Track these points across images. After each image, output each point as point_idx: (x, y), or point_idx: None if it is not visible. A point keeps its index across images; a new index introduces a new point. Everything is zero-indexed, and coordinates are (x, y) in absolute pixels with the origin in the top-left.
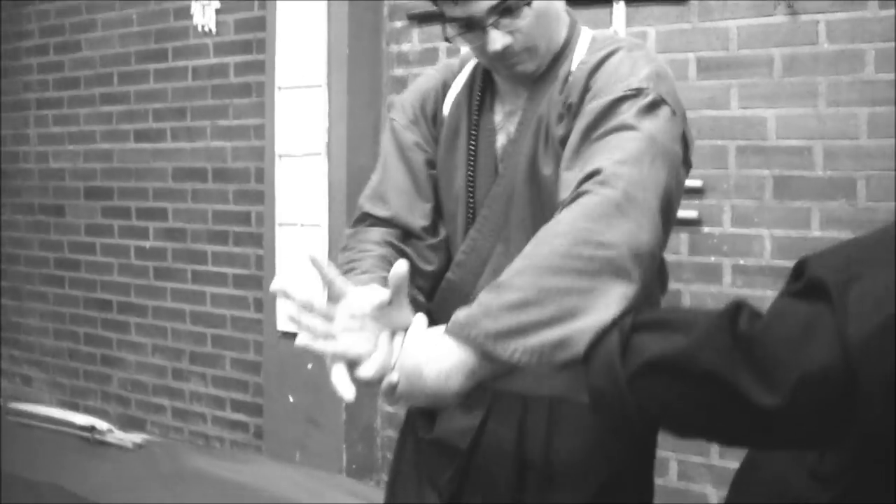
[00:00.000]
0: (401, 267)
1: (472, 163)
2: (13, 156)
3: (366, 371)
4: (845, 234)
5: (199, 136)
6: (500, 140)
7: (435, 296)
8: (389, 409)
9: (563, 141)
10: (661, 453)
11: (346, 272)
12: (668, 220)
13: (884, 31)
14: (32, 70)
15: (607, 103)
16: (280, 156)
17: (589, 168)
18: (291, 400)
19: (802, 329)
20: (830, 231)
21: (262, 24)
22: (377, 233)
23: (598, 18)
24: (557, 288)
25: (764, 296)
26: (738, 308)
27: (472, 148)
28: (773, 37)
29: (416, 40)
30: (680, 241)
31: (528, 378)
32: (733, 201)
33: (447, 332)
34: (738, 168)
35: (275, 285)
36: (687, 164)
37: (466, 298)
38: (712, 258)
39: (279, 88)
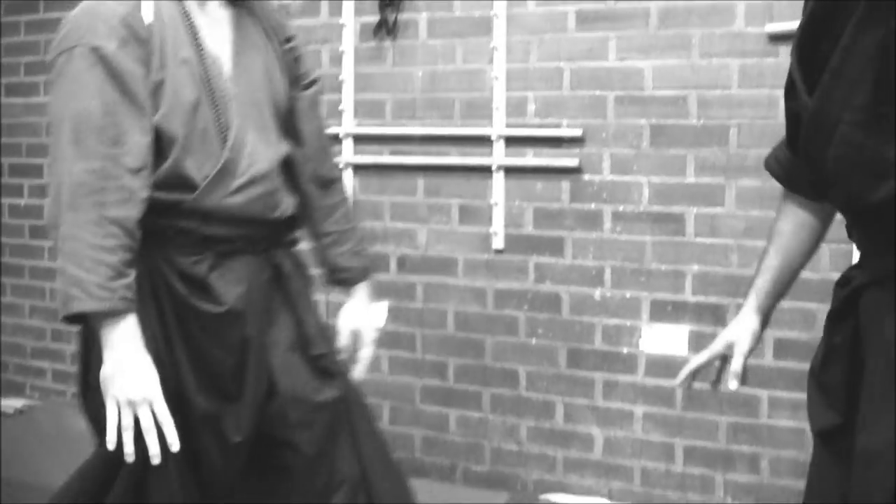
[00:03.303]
0: None
1: (208, 78)
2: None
3: None
4: (719, 180)
5: None
6: (222, 53)
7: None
8: None
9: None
10: (547, 396)
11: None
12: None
13: None
14: None
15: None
16: None
17: None
18: None
19: None
20: (704, 177)
21: None
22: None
23: None
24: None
25: (643, 241)
26: None
27: (203, 65)
28: None
29: None
30: (561, 189)
31: None
32: (612, 149)
33: None
34: (617, 117)
35: None
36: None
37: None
38: (592, 205)
39: None
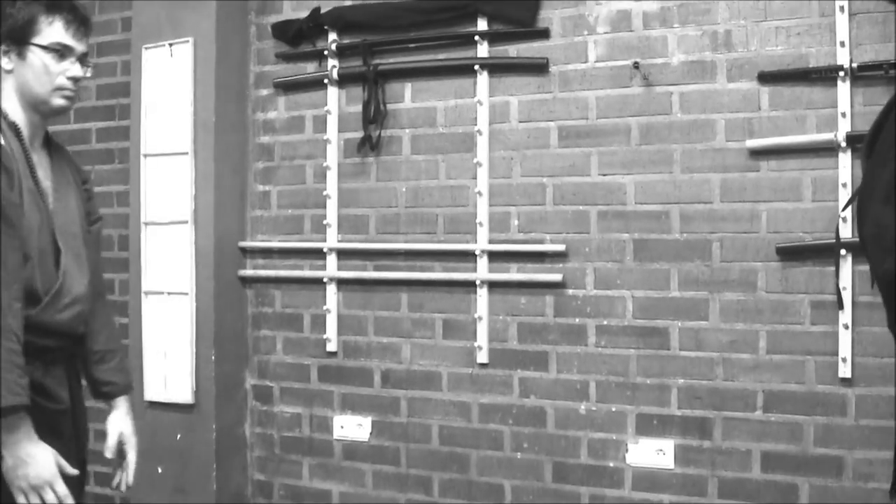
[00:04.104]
0: None
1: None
2: None
3: None
4: (702, 294)
5: None
6: (47, 188)
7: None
8: (261, 477)
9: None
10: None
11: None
12: None
13: (731, 102)
14: None
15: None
16: (146, 223)
17: None
18: (160, 471)
19: None
20: (688, 291)
21: (125, 91)
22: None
23: (463, 88)
24: None
25: (627, 354)
26: None
27: (40, 196)
28: (630, 107)
29: (282, 108)
30: (545, 304)
31: None
32: (595, 264)
33: None
34: (600, 232)
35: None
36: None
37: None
38: (577, 320)
39: (145, 156)
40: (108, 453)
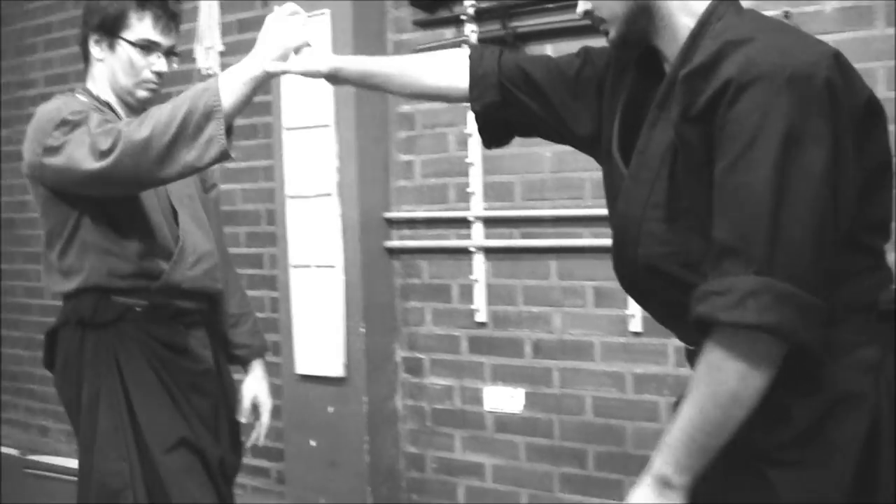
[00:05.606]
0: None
1: None
2: (21, 206)
3: None
4: None
5: None
6: None
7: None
8: (413, 450)
9: None
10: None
11: None
12: None
13: (892, 49)
14: None
15: None
16: (291, 197)
17: None
18: (312, 444)
19: None
20: None
21: None
22: None
23: None
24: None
25: None
26: None
27: None
28: None
29: None
30: None
31: None
32: None
33: None
34: None
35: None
36: None
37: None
38: None
39: (287, 129)
40: (244, 417)
